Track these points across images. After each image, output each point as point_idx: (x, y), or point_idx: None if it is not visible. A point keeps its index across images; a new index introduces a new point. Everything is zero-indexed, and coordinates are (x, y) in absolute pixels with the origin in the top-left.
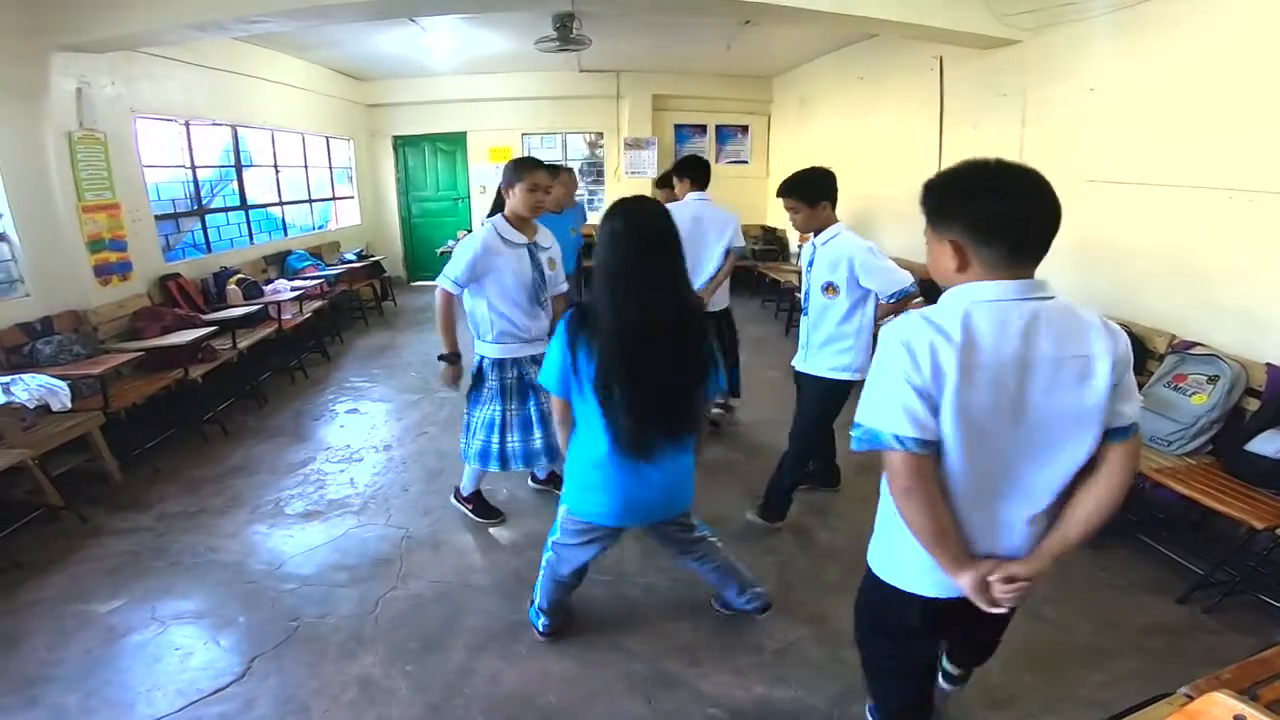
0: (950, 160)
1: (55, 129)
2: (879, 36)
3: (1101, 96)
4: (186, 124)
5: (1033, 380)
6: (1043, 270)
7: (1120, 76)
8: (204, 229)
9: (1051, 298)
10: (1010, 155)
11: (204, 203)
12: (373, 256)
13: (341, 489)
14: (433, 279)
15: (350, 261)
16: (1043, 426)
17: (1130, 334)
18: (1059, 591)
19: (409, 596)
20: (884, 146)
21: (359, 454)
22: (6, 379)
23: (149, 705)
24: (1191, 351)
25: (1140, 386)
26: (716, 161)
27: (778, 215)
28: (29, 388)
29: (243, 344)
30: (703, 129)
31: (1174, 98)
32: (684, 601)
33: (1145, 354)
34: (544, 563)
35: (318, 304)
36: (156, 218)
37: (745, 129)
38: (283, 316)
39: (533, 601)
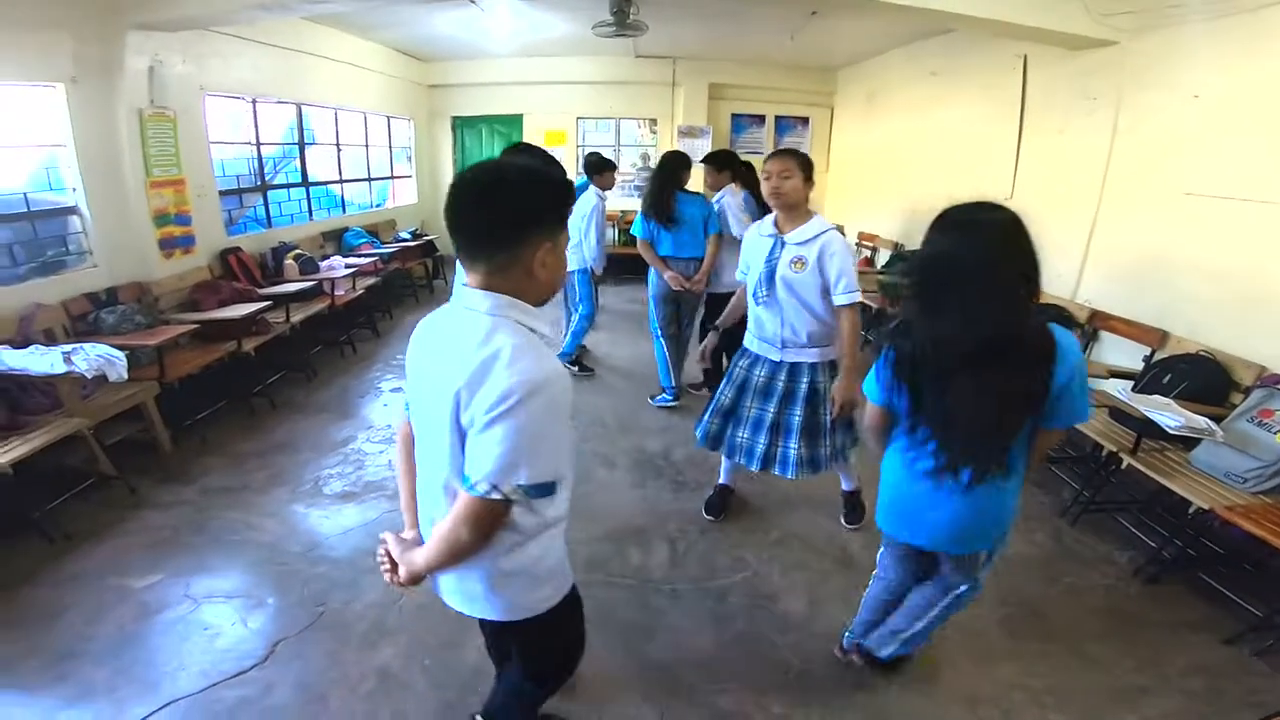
0: (1028, 165)
1: (127, 106)
2: (957, 31)
3: (1206, 105)
4: (253, 102)
5: (415, 382)
6: (1129, 285)
7: (1230, 85)
8: (266, 204)
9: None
10: (1098, 163)
11: (267, 179)
12: (426, 235)
13: (379, 470)
14: None
15: (405, 240)
16: (418, 420)
17: (1213, 362)
18: (1105, 627)
19: (433, 589)
20: (956, 147)
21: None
22: (68, 348)
23: (172, 684)
24: None
25: (1219, 420)
26: None
27: (836, 210)
28: (89, 358)
29: (296, 318)
30: (761, 119)
31: None
32: (709, 612)
33: (1229, 385)
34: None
35: (371, 281)
36: (221, 193)
37: (806, 121)
38: (336, 293)
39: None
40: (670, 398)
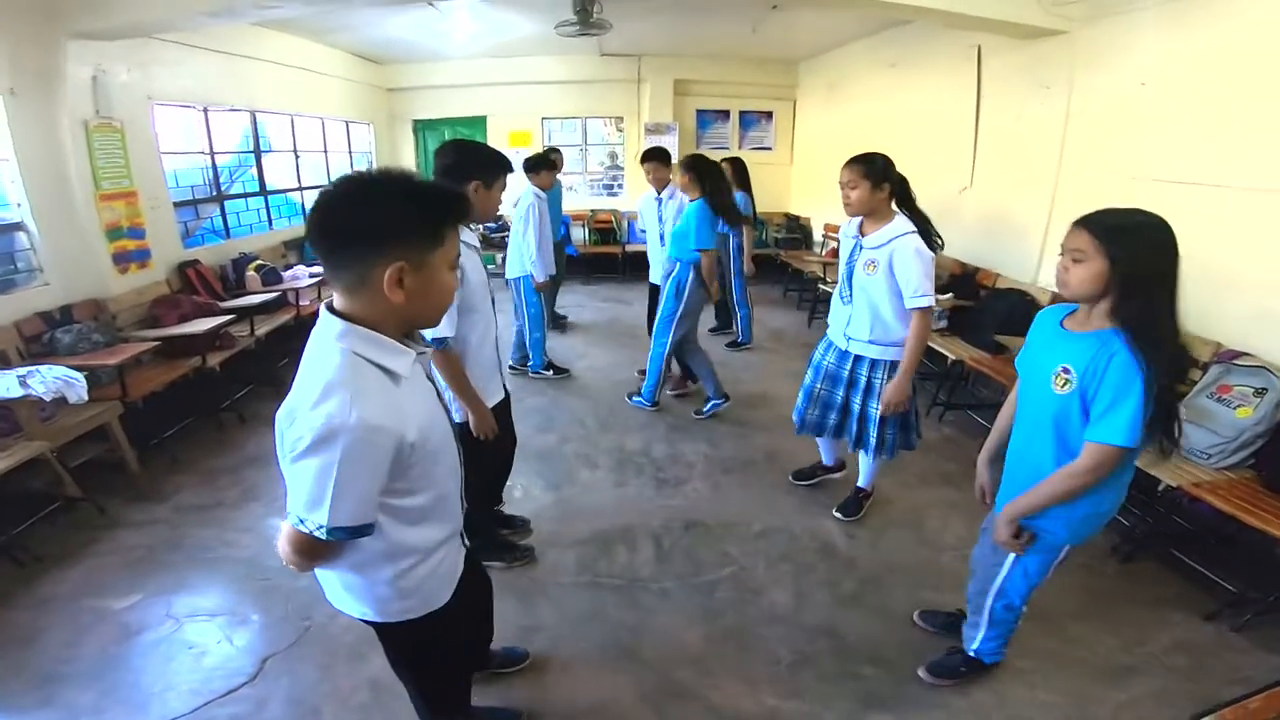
0: (985, 152)
1: (71, 118)
2: (913, 23)
3: (1154, 91)
4: (205, 110)
5: None
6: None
7: (1175, 70)
8: (223, 215)
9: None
10: (1052, 149)
11: (223, 189)
12: None
13: None
14: None
15: None
16: None
17: None
18: (1086, 607)
19: None
20: (916, 136)
21: None
22: (23, 372)
23: (162, 705)
24: (1237, 362)
25: (1181, 397)
26: (740, 147)
27: (801, 203)
28: (46, 380)
29: (261, 331)
30: (725, 114)
31: (1233, 94)
32: (698, 609)
33: (1187, 362)
34: (1006, 613)
35: None
36: (175, 204)
37: (769, 115)
38: (301, 303)
39: (975, 653)
40: (649, 404)
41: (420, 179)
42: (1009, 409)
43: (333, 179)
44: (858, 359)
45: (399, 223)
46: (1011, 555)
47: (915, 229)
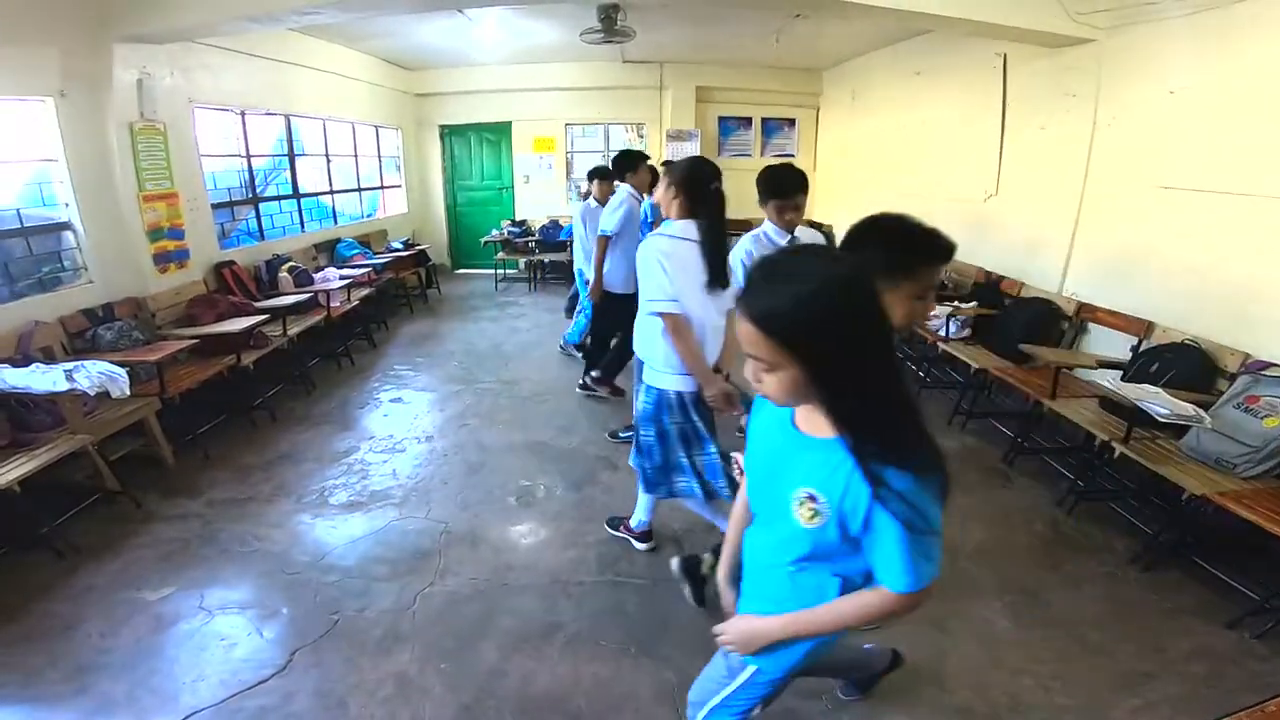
0: (1012, 161)
1: (117, 120)
2: (938, 31)
3: (1183, 100)
4: (242, 114)
5: None
6: (1114, 277)
7: (1205, 79)
8: (258, 217)
9: None
10: (1079, 159)
11: (258, 191)
12: (418, 245)
13: (384, 480)
14: (477, 267)
15: (397, 250)
16: None
17: (1198, 350)
18: (1106, 613)
19: (446, 593)
20: (941, 145)
21: (401, 444)
22: (69, 366)
23: (193, 695)
24: (1266, 373)
25: (1207, 407)
26: (761, 154)
27: (824, 210)
28: (90, 375)
29: (293, 331)
30: (748, 121)
31: (1263, 102)
32: (719, 609)
33: (1215, 372)
34: None
35: (365, 292)
36: (213, 206)
37: (792, 122)
38: (331, 304)
39: None
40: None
41: None
42: None
43: None
44: None
45: None
46: None
47: None
